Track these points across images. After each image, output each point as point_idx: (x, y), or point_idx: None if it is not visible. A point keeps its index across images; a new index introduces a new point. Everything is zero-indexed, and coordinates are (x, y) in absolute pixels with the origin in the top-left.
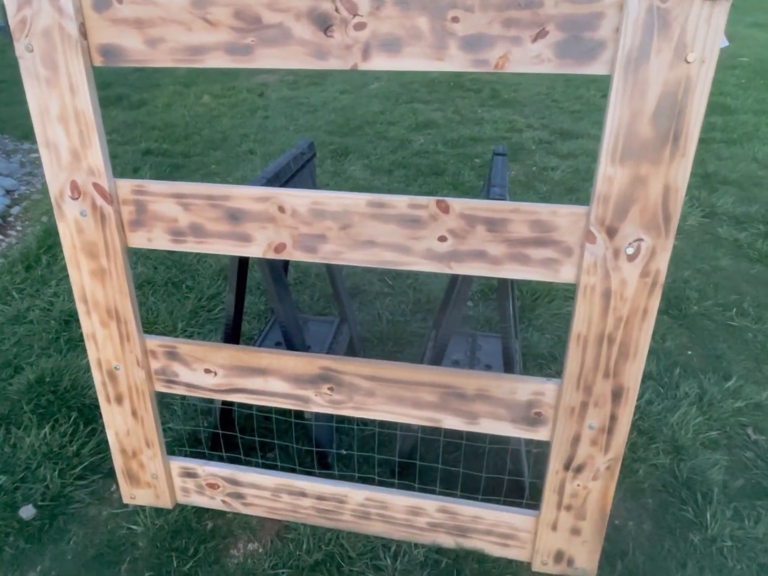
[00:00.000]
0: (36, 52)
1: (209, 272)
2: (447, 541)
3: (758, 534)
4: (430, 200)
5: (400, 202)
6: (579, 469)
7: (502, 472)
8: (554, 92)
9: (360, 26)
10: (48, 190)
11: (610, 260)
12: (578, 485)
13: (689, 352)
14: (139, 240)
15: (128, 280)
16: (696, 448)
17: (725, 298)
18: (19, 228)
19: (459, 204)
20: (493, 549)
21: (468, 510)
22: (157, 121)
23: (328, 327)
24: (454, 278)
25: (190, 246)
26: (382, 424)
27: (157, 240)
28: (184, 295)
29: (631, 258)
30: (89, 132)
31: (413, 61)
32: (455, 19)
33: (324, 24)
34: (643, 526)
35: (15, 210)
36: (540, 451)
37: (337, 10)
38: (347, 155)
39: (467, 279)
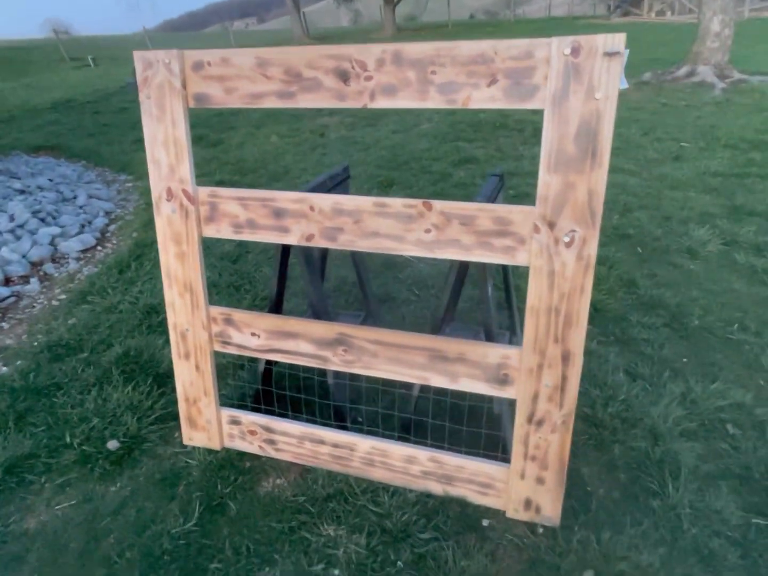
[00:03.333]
0: (152, 99)
1: (264, 279)
2: (436, 488)
3: (717, 507)
4: (418, 201)
5: (397, 203)
6: (540, 423)
7: (495, 432)
8: None
9: (368, 78)
10: (137, 213)
11: (552, 247)
12: (540, 437)
13: (684, 360)
14: (210, 231)
15: (200, 262)
16: (673, 436)
17: (729, 315)
18: (114, 241)
19: (439, 204)
20: (474, 497)
21: (453, 460)
22: (230, 157)
23: (355, 319)
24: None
25: (246, 236)
26: (389, 384)
27: (223, 231)
28: (243, 296)
29: (567, 245)
30: (182, 152)
31: (405, 101)
32: (433, 72)
33: (344, 77)
34: (612, 494)
35: (112, 227)
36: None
37: (353, 67)
38: (392, 186)
39: (461, 268)
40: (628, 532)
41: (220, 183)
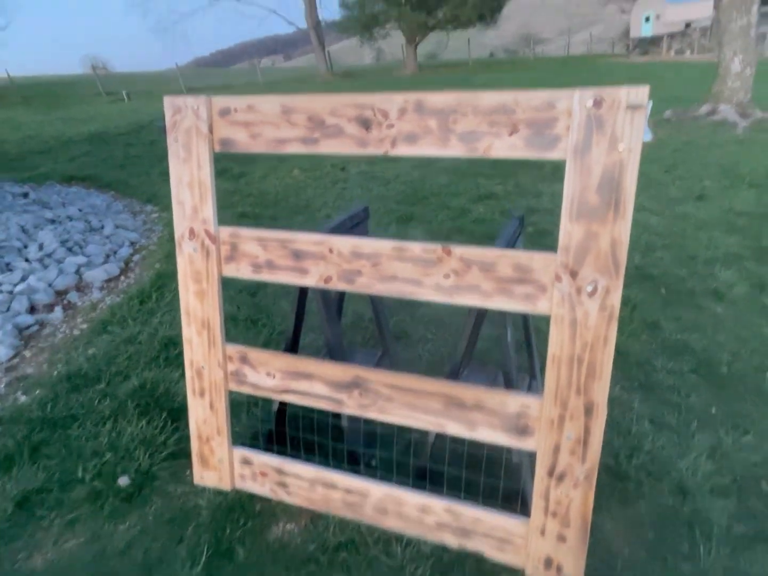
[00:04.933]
0: (180, 142)
1: (282, 313)
2: (451, 541)
3: (754, 573)
4: (437, 246)
5: (416, 247)
6: (561, 477)
7: (514, 484)
8: None
9: (390, 126)
10: (161, 244)
11: (574, 296)
12: (561, 492)
13: (713, 409)
14: (230, 270)
15: (219, 300)
16: (703, 492)
17: (760, 362)
18: (137, 271)
19: (459, 250)
20: (491, 552)
21: (470, 512)
22: (253, 190)
23: (372, 357)
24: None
25: (265, 276)
26: (404, 429)
27: (243, 270)
28: (260, 330)
29: (590, 294)
30: (206, 194)
31: (426, 149)
32: (455, 121)
33: (366, 125)
34: (638, 554)
35: (136, 257)
36: None
37: (375, 115)
38: (411, 221)
39: (480, 315)
40: None
41: (243, 215)
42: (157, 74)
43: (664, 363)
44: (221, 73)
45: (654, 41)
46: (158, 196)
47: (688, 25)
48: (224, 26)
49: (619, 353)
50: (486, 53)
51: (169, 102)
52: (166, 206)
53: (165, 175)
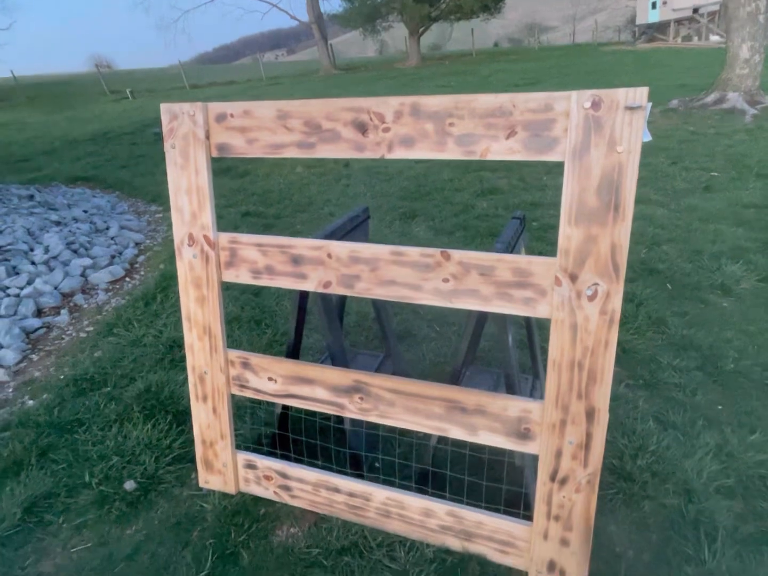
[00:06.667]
0: (177, 149)
1: (284, 313)
2: (454, 544)
3: (759, 575)
4: (436, 251)
5: (414, 251)
6: (563, 482)
7: (517, 487)
8: None
9: (386, 129)
10: (166, 244)
11: (574, 300)
12: (563, 497)
13: (719, 407)
14: (229, 276)
15: (220, 306)
16: (709, 493)
17: (767, 359)
18: (142, 273)
19: (458, 254)
20: (494, 555)
21: (472, 515)
22: (256, 188)
23: (374, 360)
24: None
25: (264, 281)
26: (406, 432)
27: (242, 276)
28: (263, 330)
29: (590, 298)
30: (204, 200)
31: (423, 152)
32: (451, 124)
33: (362, 128)
34: (642, 556)
35: (141, 258)
36: None
37: (371, 119)
38: (414, 218)
39: (480, 318)
40: None
41: (247, 214)
42: (160, 71)
43: (670, 360)
44: (224, 68)
45: (661, 28)
46: (162, 195)
47: (695, 10)
48: (226, 21)
49: (624, 350)
50: (490, 43)
51: (165, 108)
52: (170, 206)
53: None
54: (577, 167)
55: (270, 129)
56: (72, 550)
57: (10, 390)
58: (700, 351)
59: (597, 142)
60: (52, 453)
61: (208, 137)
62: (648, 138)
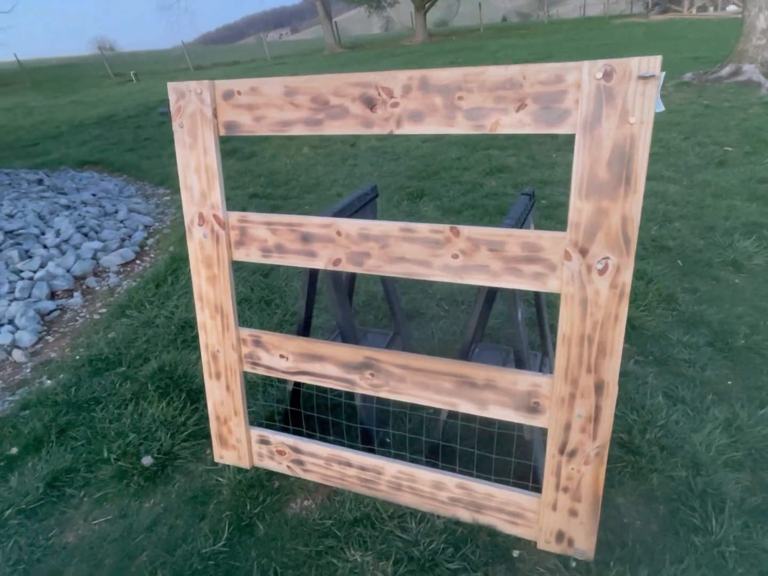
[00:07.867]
0: (185, 128)
1: (294, 293)
2: (464, 515)
3: (765, 545)
4: (445, 227)
5: (424, 228)
6: (572, 454)
7: (526, 460)
8: None
9: (394, 104)
10: (174, 227)
11: (584, 274)
12: (572, 469)
13: (729, 382)
14: (240, 255)
15: (231, 285)
16: (717, 466)
17: None
18: (152, 255)
19: (467, 230)
20: (504, 526)
21: (482, 488)
22: (263, 170)
23: (383, 338)
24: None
25: (275, 260)
26: (417, 407)
27: (252, 255)
28: (273, 311)
29: (601, 272)
30: (213, 179)
31: (432, 127)
32: (461, 98)
33: (370, 104)
34: (650, 526)
35: (150, 241)
36: None
37: (379, 94)
38: (422, 197)
39: (489, 294)
40: (668, 570)
41: (254, 195)
42: (164, 53)
43: (680, 336)
44: (228, 49)
45: None
46: (170, 178)
47: None
48: (229, 0)
49: (634, 327)
50: (498, 18)
51: (172, 87)
52: (178, 188)
53: (175, 157)
54: (588, 139)
55: (277, 106)
56: (93, 522)
57: (28, 370)
58: (710, 327)
59: (609, 114)
60: (70, 430)
61: (215, 115)
62: (661, 108)
